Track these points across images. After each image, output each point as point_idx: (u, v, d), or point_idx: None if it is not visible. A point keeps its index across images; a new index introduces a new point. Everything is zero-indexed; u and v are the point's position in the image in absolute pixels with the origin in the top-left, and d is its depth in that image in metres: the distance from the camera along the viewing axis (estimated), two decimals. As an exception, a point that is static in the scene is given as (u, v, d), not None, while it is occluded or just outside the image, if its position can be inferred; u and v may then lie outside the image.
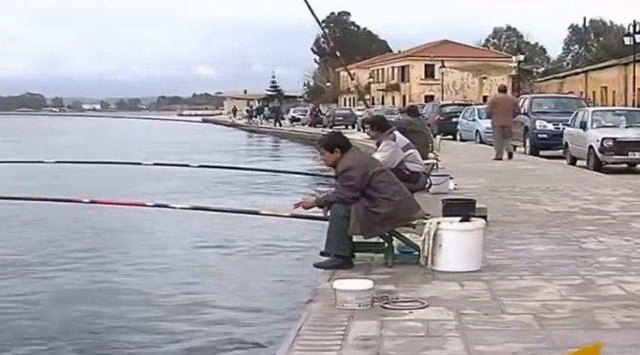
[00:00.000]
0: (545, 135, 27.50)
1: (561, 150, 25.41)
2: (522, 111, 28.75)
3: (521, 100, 31.39)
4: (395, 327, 6.22)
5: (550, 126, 27.51)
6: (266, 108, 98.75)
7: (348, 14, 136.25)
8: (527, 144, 28.24)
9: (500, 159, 23.55)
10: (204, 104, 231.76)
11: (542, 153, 27.24)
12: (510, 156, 24.00)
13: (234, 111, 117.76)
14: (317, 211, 8.95)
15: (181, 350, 8.98)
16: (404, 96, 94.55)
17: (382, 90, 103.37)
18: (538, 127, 27.70)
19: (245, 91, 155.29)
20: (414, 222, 8.62)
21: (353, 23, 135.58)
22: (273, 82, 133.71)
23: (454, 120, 39.12)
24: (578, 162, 23.04)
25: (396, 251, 8.66)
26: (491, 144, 31.54)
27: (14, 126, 79.12)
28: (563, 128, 25.49)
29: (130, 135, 55.06)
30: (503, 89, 27.12)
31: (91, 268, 13.21)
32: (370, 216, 8.31)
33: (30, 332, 9.70)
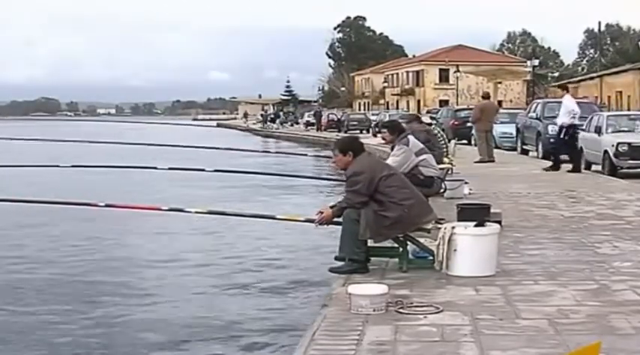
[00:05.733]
0: None
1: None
2: (535, 115, 29.11)
3: (534, 105, 31.70)
4: (409, 332, 6.23)
5: None
6: (281, 113, 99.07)
7: (364, 19, 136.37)
8: (540, 148, 28.38)
9: (485, 161, 24.10)
10: (218, 109, 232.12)
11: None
12: (493, 159, 24.70)
13: (246, 115, 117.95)
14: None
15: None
16: (418, 101, 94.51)
17: (397, 94, 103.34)
18: (550, 132, 27.74)
19: (260, 96, 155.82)
20: (429, 227, 8.62)
21: (369, 28, 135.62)
22: (287, 87, 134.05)
23: (469, 124, 39.10)
24: (593, 167, 22.98)
25: (410, 255, 8.67)
26: (507, 149, 31.84)
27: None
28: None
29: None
30: (487, 96, 28.48)
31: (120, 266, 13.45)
32: (379, 220, 8.32)
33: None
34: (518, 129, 31.56)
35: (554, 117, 28.67)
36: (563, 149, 21.55)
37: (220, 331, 9.77)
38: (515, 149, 31.61)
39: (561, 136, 21.25)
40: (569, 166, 21.05)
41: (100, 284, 12.40)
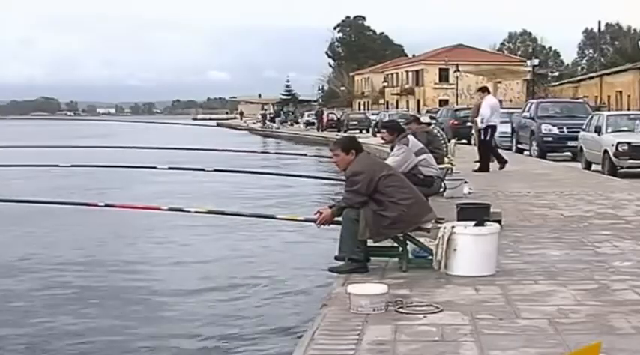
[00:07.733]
0: (550, 139, 28.80)
1: (566, 153, 27.29)
2: (529, 115, 29.76)
3: (528, 105, 32.39)
4: (409, 332, 6.22)
5: (555, 130, 28.76)
6: (281, 113, 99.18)
7: (364, 18, 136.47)
8: (534, 147, 29.44)
9: None
10: (218, 108, 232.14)
11: (547, 155, 28.51)
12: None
13: (242, 114, 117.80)
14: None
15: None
16: (418, 101, 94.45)
17: (397, 94, 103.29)
18: (544, 131, 29.05)
19: (259, 95, 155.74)
20: (429, 227, 8.60)
21: (369, 28, 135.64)
22: (287, 86, 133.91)
23: (468, 124, 39.16)
24: (593, 167, 23.00)
25: (410, 255, 8.66)
26: (506, 148, 32.01)
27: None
28: (568, 131, 27.25)
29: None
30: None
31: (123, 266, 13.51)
32: (378, 220, 8.30)
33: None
34: (513, 129, 32.49)
35: (548, 116, 29.73)
36: (487, 148, 21.69)
37: (219, 331, 9.76)
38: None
39: (481, 137, 21.44)
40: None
41: (96, 285, 12.41)
